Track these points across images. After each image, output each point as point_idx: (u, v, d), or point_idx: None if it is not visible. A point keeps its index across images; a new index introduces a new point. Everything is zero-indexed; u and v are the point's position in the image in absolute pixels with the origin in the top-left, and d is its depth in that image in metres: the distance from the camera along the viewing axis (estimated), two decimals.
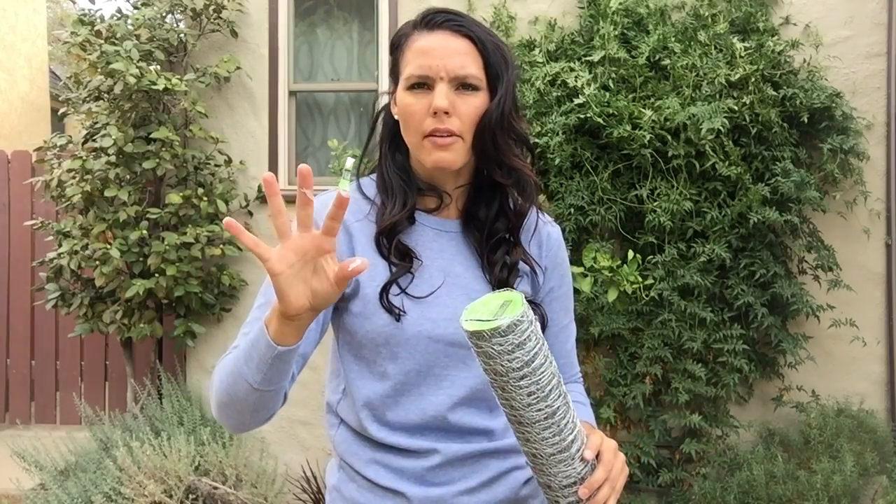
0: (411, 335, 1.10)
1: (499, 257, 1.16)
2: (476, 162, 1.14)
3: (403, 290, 1.11)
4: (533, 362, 0.93)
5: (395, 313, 1.09)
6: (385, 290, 1.10)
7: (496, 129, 1.09)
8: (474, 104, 1.08)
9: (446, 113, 1.07)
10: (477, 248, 1.17)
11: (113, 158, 3.54)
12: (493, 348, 0.91)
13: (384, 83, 3.78)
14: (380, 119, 1.19)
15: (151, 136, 3.58)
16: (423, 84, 1.09)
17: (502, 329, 0.91)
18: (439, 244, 1.16)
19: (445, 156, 1.09)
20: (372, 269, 1.11)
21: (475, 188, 1.17)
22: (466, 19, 1.10)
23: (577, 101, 3.27)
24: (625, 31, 3.47)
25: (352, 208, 1.14)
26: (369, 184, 1.19)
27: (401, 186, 1.14)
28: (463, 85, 1.08)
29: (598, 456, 1.00)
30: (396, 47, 1.14)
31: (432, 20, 1.10)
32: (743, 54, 3.28)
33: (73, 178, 3.60)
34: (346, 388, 1.17)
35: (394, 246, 1.12)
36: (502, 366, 0.92)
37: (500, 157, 1.11)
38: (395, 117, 1.15)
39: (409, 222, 1.14)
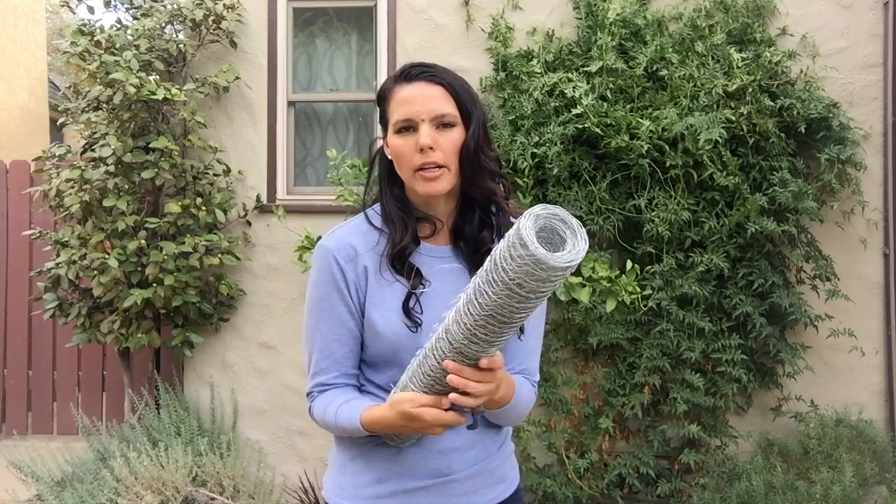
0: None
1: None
2: (460, 185, 1.34)
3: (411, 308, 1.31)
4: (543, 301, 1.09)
5: (415, 321, 1.29)
6: (406, 303, 1.30)
7: (473, 155, 1.31)
8: (453, 138, 1.30)
9: (431, 148, 1.27)
10: (467, 263, 1.35)
11: (112, 168, 3.54)
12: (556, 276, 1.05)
13: None
14: (376, 160, 1.40)
15: (150, 145, 3.58)
16: (408, 127, 1.30)
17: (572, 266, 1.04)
18: (433, 270, 1.34)
19: (435, 186, 1.30)
20: (380, 294, 1.32)
21: (460, 211, 1.37)
22: (437, 69, 1.33)
23: (574, 111, 3.28)
24: (622, 41, 3.48)
25: (363, 239, 1.35)
26: (375, 215, 1.38)
27: (399, 216, 1.35)
28: (442, 123, 1.29)
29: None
30: (383, 99, 1.36)
31: (409, 73, 1.32)
32: (740, 65, 3.29)
33: (72, 187, 3.60)
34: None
35: (406, 267, 1.32)
36: (540, 290, 1.05)
37: (476, 178, 1.32)
38: (389, 157, 1.35)
39: (415, 244, 1.34)
